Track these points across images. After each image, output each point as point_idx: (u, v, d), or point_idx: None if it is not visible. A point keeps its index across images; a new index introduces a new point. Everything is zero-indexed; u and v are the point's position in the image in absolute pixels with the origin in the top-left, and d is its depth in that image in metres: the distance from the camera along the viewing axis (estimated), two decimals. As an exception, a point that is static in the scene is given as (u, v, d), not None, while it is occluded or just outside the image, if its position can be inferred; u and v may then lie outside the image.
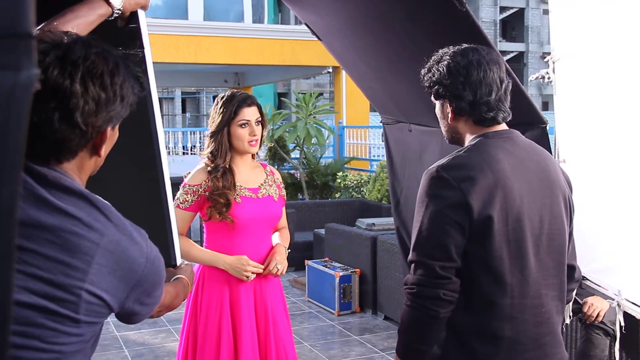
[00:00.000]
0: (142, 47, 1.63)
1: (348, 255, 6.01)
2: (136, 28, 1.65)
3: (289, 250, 2.89)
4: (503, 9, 38.56)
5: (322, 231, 6.72)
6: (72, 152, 1.20)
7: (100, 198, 1.21)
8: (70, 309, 1.13)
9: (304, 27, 3.68)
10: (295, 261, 7.10)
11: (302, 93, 9.76)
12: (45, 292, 1.11)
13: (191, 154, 13.49)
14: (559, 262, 1.83)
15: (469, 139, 1.85)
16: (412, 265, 1.75)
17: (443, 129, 1.92)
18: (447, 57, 1.81)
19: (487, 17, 38.21)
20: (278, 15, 20.30)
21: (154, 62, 1.69)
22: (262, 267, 2.75)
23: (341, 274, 5.74)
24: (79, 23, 1.47)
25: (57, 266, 1.12)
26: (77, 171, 1.23)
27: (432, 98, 1.89)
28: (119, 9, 1.58)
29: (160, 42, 10.60)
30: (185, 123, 32.44)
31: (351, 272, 5.78)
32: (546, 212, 1.79)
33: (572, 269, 1.93)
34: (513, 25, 38.53)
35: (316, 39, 3.43)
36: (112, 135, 1.25)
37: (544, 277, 1.79)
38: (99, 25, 1.54)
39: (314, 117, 9.19)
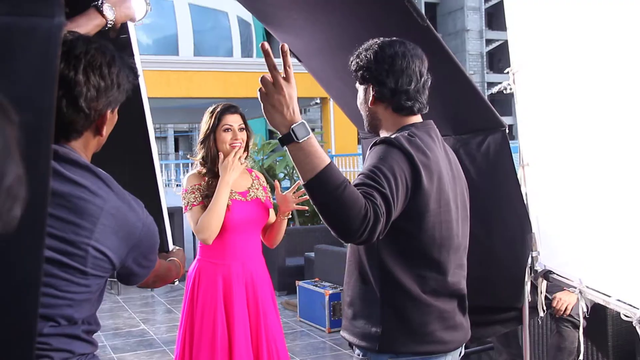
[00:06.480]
0: (132, 54, 1.87)
1: (337, 274, 6.14)
2: (126, 38, 1.89)
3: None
4: (489, 42, 39.36)
5: (312, 254, 6.89)
6: (78, 132, 1.43)
7: (103, 171, 1.43)
8: (79, 262, 1.35)
9: (292, 60, 3.88)
10: (287, 285, 7.26)
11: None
12: (58, 248, 1.33)
13: (184, 187, 13.65)
14: (465, 246, 2.02)
15: (387, 127, 1.96)
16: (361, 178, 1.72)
17: (363, 114, 2.02)
18: (376, 46, 1.93)
19: (473, 49, 38.96)
20: (267, 51, 20.70)
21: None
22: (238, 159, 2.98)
23: (331, 292, 5.91)
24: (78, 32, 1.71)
25: (68, 226, 1.34)
26: (83, 148, 1.45)
27: (357, 83, 2.00)
28: (112, 20, 1.81)
29: (151, 78, 10.82)
30: (179, 161, 32.66)
31: (340, 290, 5.93)
32: (460, 199, 1.97)
33: None
34: (499, 57, 39.23)
35: (303, 68, 3.63)
36: (112, 117, 1.48)
37: (460, 258, 1.97)
38: (94, 35, 1.77)
39: (303, 146, 9.38)
